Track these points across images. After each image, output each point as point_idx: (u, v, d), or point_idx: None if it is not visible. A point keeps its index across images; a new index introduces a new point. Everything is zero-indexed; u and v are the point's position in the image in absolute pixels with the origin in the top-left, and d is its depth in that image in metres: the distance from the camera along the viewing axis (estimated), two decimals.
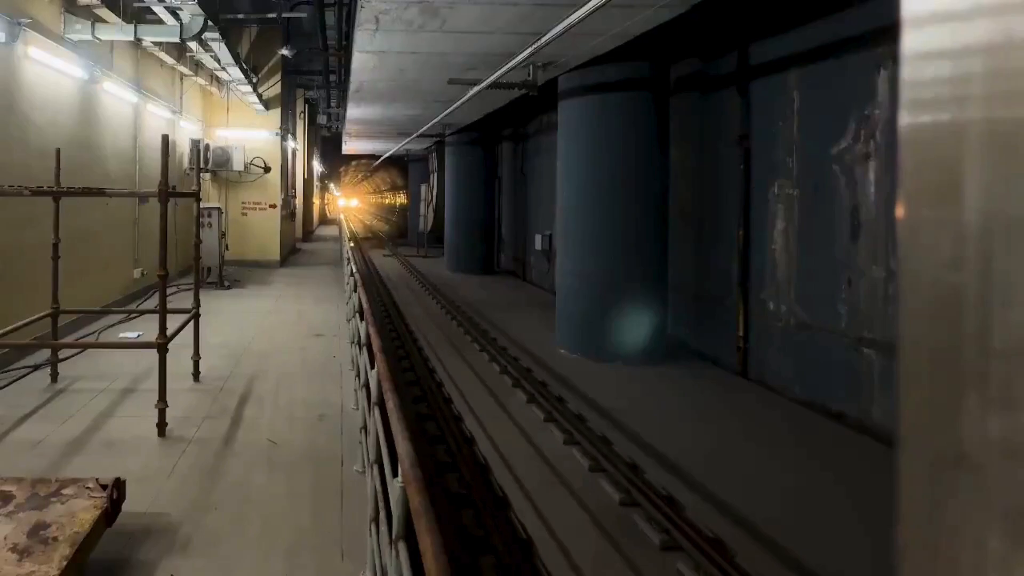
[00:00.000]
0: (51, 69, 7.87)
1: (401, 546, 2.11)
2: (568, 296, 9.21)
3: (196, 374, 6.50)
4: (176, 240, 10.94)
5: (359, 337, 5.15)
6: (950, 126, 0.40)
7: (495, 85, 8.57)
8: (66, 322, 7.36)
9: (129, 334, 8.34)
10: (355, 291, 7.11)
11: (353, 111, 13.77)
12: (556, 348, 9.20)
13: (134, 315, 8.93)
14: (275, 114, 16.32)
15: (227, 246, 13.08)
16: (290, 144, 19.15)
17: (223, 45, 10.08)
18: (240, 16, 13.14)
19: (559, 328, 9.36)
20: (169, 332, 5.23)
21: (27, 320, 5.98)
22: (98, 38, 8.50)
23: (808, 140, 7.05)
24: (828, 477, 5.19)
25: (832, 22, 6.68)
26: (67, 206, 6.57)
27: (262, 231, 16.20)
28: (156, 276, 5.31)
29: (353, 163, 40.87)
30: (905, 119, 0.43)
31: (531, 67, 8.15)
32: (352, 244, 16.16)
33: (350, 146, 24.42)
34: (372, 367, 3.41)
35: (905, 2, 0.42)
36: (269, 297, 11.94)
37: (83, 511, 3.08)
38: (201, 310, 6.63)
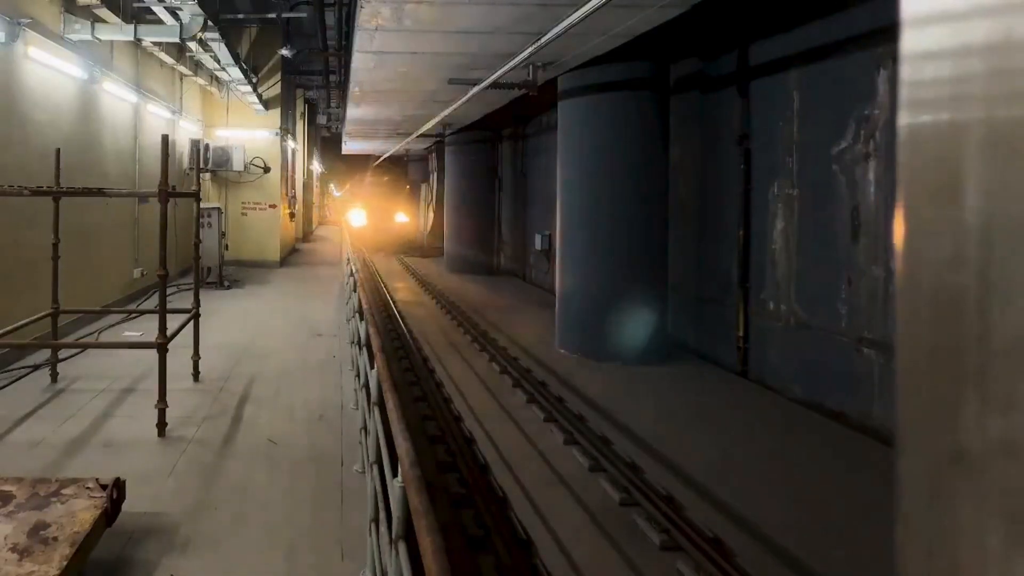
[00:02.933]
0: (51, 69, 7.86)
1: (401, 546, 2.11)
2: (568, 296, 9.20)
3: (196, 374, 6.50)
4: (176, 240, 10.93)
5: (359, 337, 5.15)
6: (950, 126, 0.40)
7: (495, 85, 8.56)
8: (66, 322, 7.36)
9: (132, 333, 8.34)
10: (355, 291, 7.11)
11: (353, 111, 13.76)
12: (556, 348, 9.20)
13: (134, 315, 8.92)
14: (275, 114, 16.31)
15: (227, 246, 13.08)
16: (290, 144, 19.14)
17: (223, 45, 10.07)
18: (240, 16, 13.13)
19: (559, 328, 9.35)
20: (169, 332, 5.22)
21: (27, 320, 5.97)
22: (98, 38, 8.50)
23: (808, 140, 7.04)
24: (829, 477, 5.19)
25: (832, 22, 6.68)
26: (67, 206, 6.56)
27: (262, 231, 16.20)
28: (156, 276, 5.31)
29: (353, 163, 40.82)
30: (905, 119, 0.43)
31: (531, 67, 8.14)
32: (352, 244, 16.15)
33: (350, 146, 24.40)
34: (372, 367, 3.41)
35: (905, 2, 0.42)
36: (269, 297, 11.94)
37: (83, 511, 3.08)
38: (201, 310, 6.63)
